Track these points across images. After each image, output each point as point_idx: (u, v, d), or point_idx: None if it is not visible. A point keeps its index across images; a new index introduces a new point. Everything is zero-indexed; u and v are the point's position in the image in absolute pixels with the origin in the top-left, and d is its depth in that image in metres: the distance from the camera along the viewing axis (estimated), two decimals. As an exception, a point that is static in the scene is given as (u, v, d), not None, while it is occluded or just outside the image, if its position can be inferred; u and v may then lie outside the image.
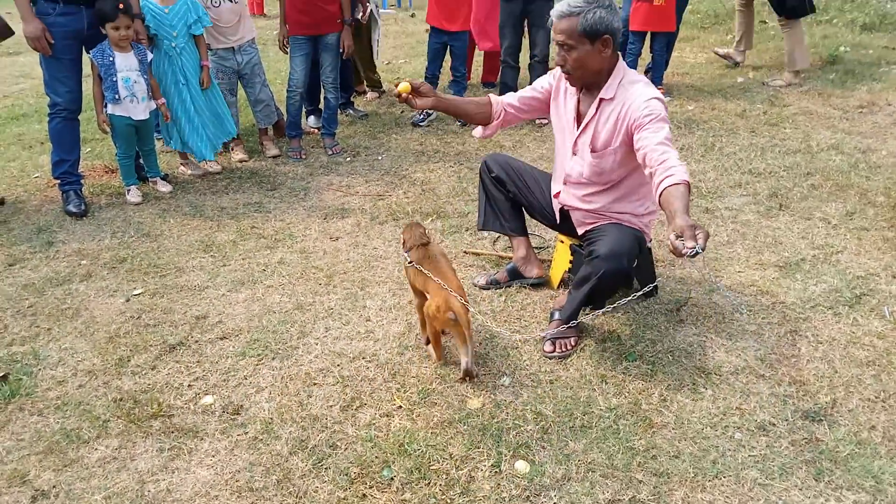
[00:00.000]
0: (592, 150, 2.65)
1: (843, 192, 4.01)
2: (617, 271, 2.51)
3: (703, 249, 1.96)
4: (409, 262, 2.64)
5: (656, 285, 3.05)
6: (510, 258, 3.22)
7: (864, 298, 3.00)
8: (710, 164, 4.50)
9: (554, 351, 2.67)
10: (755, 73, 6.65)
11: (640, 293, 2.54)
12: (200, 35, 4.24)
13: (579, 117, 2.71)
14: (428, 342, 2.68)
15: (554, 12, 2.51)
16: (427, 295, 2.57)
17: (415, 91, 2.69)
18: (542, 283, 3.15)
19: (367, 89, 6.25)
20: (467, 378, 2.52)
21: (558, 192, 2.88)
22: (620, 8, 5.72)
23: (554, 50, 2.82)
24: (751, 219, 3.75)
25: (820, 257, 3.33)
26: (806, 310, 2.93)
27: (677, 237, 2.01)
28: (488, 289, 3.14)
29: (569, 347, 2.69)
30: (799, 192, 4.02)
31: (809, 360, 2.63)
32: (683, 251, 1.96)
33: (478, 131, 2.97)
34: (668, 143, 2.38)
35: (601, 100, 2.59)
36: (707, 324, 2.86)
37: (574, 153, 2.74)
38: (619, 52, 2.60)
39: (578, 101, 2.71)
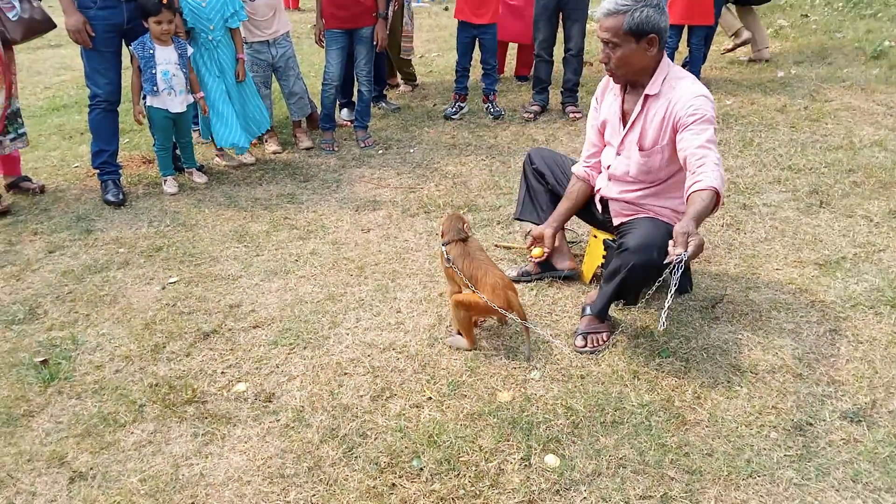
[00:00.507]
0: (640, 149, 2.62)
1: (886, 190, 3.90)
2: (647, 263, 2.47)
3: (687, 257, 2.07)
4: (447, 259, 2.64)
5: (691, 282, 3.01)
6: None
7: (907, 298, 2.91)
8: (749, 160, 4.41)
9: (586, 346, 2.65)
10: (797, 67, 6.50)
11: (672, 292, 2.46)
12: (237, 28, 4.28)
13: (625, 116, 2.68)
14: (458, 333, 2.68)
15: (600, 9, 2.49)
16: (465, 288, 2.58)
17: (537, 242, 2.82)
18: (573, 276, 3.12)
19: (399, 82, 6.26)
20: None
21: (600, 188, 2.85)
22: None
23: (589, 43, 2.79)
24: (790, 216, 3.67)
25: (861, 256, 3.24)
26: (846, 309, 2.86)
27: (673, 242, 2.13)
28: (519, 281, 3.13)
29: (601, 343, 2.66)
30: (840, 189, 3.93)
31: (849, 360, 2.57)
32: (669, 256, 2.09)
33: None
34: (710, 146, 2.36)
35: (647, 96, 2.56)
36: (743, 321, 2.81)
37: (619, 153, 2.71)
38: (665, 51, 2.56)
39: (623, 101, 2.68)
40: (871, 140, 4.62)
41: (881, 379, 2.47)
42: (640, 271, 2.50)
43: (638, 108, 2.59)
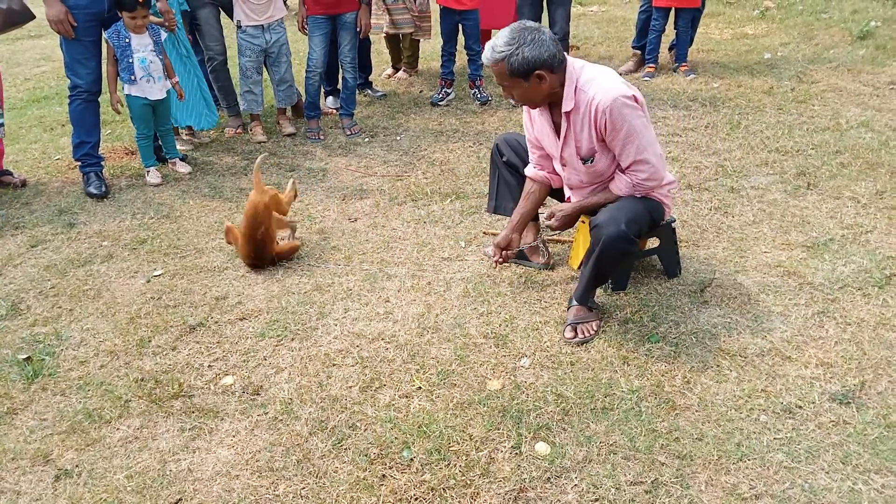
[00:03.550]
0: (582, 160, 2.63)
1: (873, 171, 3.90)
2: (617, 235, 2.47)
3: (549, 228, 2.72)
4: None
5: (680, 266, 3.00)
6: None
7: (894, 279, 2.92)
8: (736, 143, 4.40)
9: (575, 336, 2.64)
10: (783, 49, 6.49)
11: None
12: (186, 10, 4.38)
13: (557, 128, 2.66)
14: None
15: (483, 58, 2.52)
16: None
17: (504, 247, 2.89)
18: (548, 269, 3.12)
19: (402, 67, 6.16)
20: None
21: (569, 198, 2.86)
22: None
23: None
24: (777, 198, 3.66)
25: (849, 237, 3.24)
26: (834, 291, 2.86)
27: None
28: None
29: (590, 332, 2.65)
30: (827, 171, 3.93)
31: (837, 342, 2.57)
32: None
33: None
34: (641, 161, 2.53)
35: (566, 114, 2.56)
36: (732, 305, 2.81)
37: (563, 165, 2.71)
38: (564, 59, 2.49)
39: (551, 114, 2.67)
40: (858, 121, 4.62)
41: (869, 360, 2.47)
42: (612, 243, 2.51)
43: (564, 124, 2.59)
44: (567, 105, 2.53)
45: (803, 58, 6.16)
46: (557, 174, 2.86)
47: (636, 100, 2.49)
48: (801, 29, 7.13)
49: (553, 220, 2.72)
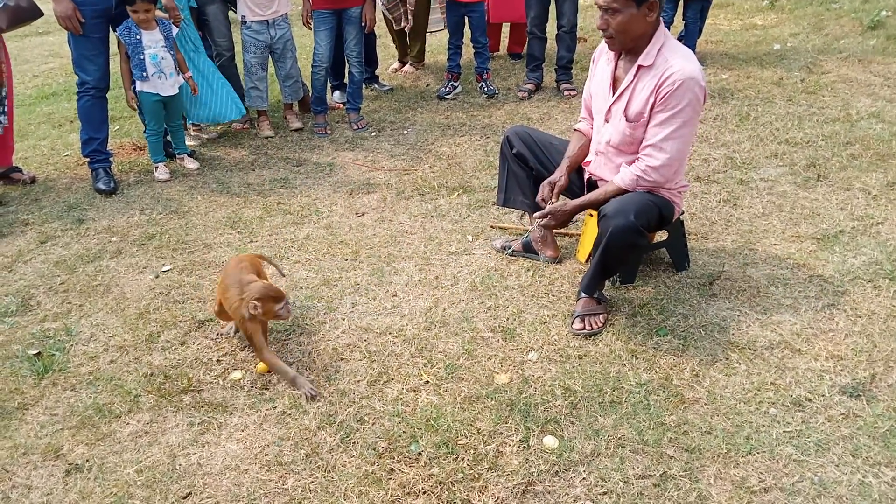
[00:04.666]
0: (626, 119, 2.58)
1: (884, 162, 3.86)
2: (624, 226, 2.45)
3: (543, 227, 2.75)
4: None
5: (688, 259, 2.99)
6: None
7: (905, 271, 2.90)
8: (745, 135, 4.37)
9: (583, 328, 2.63)
10: (793, 39, 6.43)
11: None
12: (194, 7, 4.36)
13: (615, 83, 2.64)
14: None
15: None
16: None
17: (549, 197, 2.79)
18: (555, 262, 3.11)
19: (408, 61, 6.14)
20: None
21: (589, 162, 2.82)
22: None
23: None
24: (787, 190, 3.64)
25: (859, 229, 3.22)
26: (844, 283, 2.84)
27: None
28: (502, 251, 3.19)
29: (598, 325, 2.64)
30: (838, 162, 3.89)
31: (848, 335, 2.55)
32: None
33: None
34: (658, 148, 2.51)
35: (640, 67, 2.53)
36: (741, 298, 2.79)
37: (607, 120, 2.68)
38: (662, 19, 2.52)
39: (615, 67, 2.64)
40: (869, 112, 4.58)
41: (880, 353, 2.45)
42: (620, 234, 2.48)
43: (630, 76, 2.55)
44: (646, 60, 2.51)
45: (813, 48, 6.10)
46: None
47: (705, 93, 2.50)
48: (810, 19, 7.06)
49: (548, 218, 2.71)
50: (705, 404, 2.27)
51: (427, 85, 5.77)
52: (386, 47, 6.74)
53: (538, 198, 2.83)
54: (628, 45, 2.55)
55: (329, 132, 4.80)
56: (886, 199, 3.47)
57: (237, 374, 2.50)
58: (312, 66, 4.71)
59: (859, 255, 3.02)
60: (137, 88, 3.96)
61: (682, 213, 2.90)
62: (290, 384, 2.42)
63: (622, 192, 2.59)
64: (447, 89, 5.40)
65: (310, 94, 4.96)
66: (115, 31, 3.87)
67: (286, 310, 2.46)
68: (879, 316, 2.64)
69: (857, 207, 3.41)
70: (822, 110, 4.68)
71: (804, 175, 3.78)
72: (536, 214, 2.79)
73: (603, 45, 2.70)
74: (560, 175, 2.82)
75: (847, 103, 4.76)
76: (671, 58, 2.48)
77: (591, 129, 2.86)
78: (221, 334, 2.71)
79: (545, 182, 2.83)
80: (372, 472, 2.07)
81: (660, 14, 2.48)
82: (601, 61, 2.74)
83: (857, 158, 3.92)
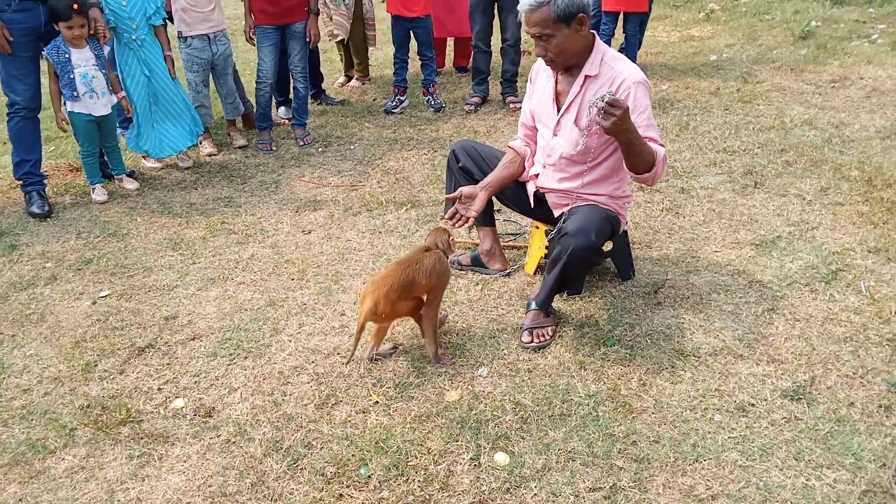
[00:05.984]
0: (579, 129, 2.61)
1: (817, 168, 4.00)
2: (586, 246, 2.47)
3: (599, 106, 2.27)
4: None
5: (633, 268, 3.02)
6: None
7: (840, 274, 2.99)
8: (685, 144, 4.47)
9: (532, 341, 2.63)
10: (728, 50, 6.64)
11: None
12: (160, 26, 4.14)
13: (559, 97, 2.66)
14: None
15: (523, 5, 2.45)
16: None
17: (466, 199, 2.72)
18: (504, 275, 3.10)
19: (354, 75, 6.11)
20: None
21: (536, 175, 2.83)
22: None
23: (525, 32, 2.75)
24: (726, 197, 3.73)
25: (796, 234, 3.32)
26: (783, 287, 2.92)
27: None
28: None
29: (546, 337, 2.65)
30: (773, 169, 4.01)
31: (787, 339, 2.62)
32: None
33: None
34: (655, 139, 2.48)
35: (586, 77, 2.56)
36: (685, 305, 2.84)
37: (556, 133, 2.69)
38: (603, 32, 2.58)
39: (556, 82, 2.66)
40: (802, 119, 4.74)
41: (819, 355, 2.52)
42: (581, 254, 2.50)
43: (576, 87, 2.58)
44: (591, 70, 2.54)
45: (748, 58, 6.30)
46: (531, 143, 2.87)
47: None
48: (745, 30, 7.30)
49: (609, 118, 2.28)
50: (653, 413, 2.29)
51: (374, 99, 5.75)
52: (331, 62, 6.70)
53: (446, 215, 2.77)
54: (571, 62, 2.58)
55: (274, 149, 4.74)
56: (820, 204, 3.59)
57: (179, 402, 2.42)
58: (257, 83, 4.65)
59: (796, 259, 3.11)
60: (69, 109, 3.84)
61: (626, 223, 2.94)
62: (433, 358, 2.55)
63: (652, 153, 2.45)
64: (394, 103, 5.39)
65: (254, 110, 4.89)
66: (43, 49, 3.75)
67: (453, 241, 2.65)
68: (817, 319, 2.72)
69: (792, 213, 3.51)
70: (757, 119, 4.82)
71: (742, 182, 3.88)
72: (447, 215, 2.73)
73: (539, 63, 2.72)
74: (476, 190, 2.74)
75: (781, 111, 4.92)
76: (615, 65, 2.53)
77: (527, 146, 2.88)
78: (375, 358, 2.60)
79: (462, 195, 2.74)
80: (320, 499, 2.02)
81: (590, 26, 2.52)
82: (540, 79, 2.76)
83: (791, 165, 4.05)
